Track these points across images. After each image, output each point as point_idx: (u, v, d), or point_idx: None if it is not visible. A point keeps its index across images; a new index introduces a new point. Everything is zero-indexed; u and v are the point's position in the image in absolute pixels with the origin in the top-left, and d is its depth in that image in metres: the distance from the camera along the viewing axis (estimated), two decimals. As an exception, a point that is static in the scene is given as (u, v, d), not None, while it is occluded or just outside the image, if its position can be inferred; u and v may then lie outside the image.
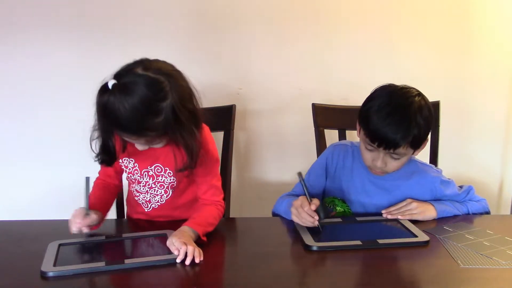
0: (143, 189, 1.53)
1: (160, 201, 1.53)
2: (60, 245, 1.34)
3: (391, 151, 1.42)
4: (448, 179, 1.60)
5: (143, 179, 1.50)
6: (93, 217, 1.37)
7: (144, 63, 1.28)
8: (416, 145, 1.44)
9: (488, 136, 2.43)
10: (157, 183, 1.51)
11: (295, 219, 1.43)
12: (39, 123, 2.21)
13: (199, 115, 1.35)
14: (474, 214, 1.56)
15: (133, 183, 1.53)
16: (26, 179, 2.25)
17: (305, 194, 1.42)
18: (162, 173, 1.49)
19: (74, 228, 1.35)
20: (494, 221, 1.51)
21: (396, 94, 1.44)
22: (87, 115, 2.17)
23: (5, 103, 2.18)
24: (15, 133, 2.21)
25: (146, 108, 1.23)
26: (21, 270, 1.23)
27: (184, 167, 1.37)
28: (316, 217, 1.38)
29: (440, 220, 1.51)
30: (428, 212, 1.51)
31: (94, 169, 2.01)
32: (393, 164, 1.48)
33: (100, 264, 1.22)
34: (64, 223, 1.56)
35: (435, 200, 1.57)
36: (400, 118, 1.40)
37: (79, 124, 2.20)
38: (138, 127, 1.27)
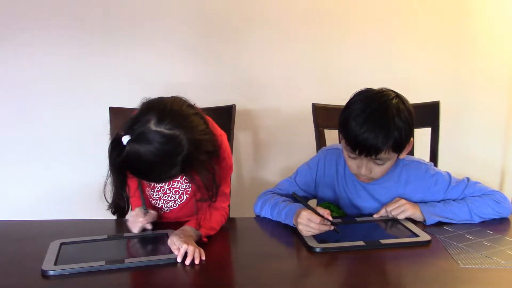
0: (156, 194, 1.51)
1: (173, 206, 1.53)
2: (61, 244, 1.34)
3: (373, 157, 1.41)
4: (437, 171, 1.56)
5: (158, 184, 1.49)
6: (153, 213, 1.44)
7: (157, 112, 1.22)
8: (398, 148, 1.42)
9: (488, 136, 2.43)
10: (172, 189, 1.50)
11: (309, 234, 1.37)
12: (39, 123, 2.21)
13: (216, 149, 1.35)
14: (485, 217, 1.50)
15: (148, 186, 1.52)
16: (26, 179, 2.25)
17: (304, 205, 1.40)
18: (178, 178, 1.48)
19: (136, 228, 1.41)
20: (494, 221, 1.50)
21: (372, 99, 1.41)
22: (87, 115, 2.20)
23: (5, 103, 2.18)
24: (15, 134, 2.21)
25: (162, 162, 1.23)
26: (21, 270, 1.23)
27: (204, 199, 1.37)
28: (329, 224, 1.36)
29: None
30: (416, 209, 1.48)
31: (94, 169, 2.01)
32: (378, 170, 1.46)
33: (100, 264, 1.22)
34: (64, 223, 1.57)
35: (429, 196, 1.54)
36: (378, 123, 1.37)
37: (79, 125, 2.22)
38: (154, 178, 1.31)
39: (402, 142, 1.40)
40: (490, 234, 1.40)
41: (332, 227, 1.36)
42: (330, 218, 1.36)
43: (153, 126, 1.21)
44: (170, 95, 1.32)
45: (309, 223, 1.36)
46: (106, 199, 1.33)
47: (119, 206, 1.38)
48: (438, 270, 1.21)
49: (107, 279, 1.19)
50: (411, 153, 1.91)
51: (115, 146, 1.22)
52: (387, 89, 1.46)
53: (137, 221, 1.42)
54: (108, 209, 1.40)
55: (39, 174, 2.24)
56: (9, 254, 1.33)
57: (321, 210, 1.37)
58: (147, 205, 1.51)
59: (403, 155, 1.49)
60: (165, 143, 1.20)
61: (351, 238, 1.36)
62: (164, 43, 2.19)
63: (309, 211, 1.38)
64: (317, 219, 1.35)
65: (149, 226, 1.42)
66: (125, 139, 1.21)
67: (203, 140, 1.27)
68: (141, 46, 2.18)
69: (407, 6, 2.26)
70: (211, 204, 1.47)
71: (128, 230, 1.43)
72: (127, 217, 1.51)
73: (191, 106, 1.30)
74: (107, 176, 1.28)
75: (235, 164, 2.27)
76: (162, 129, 1.21)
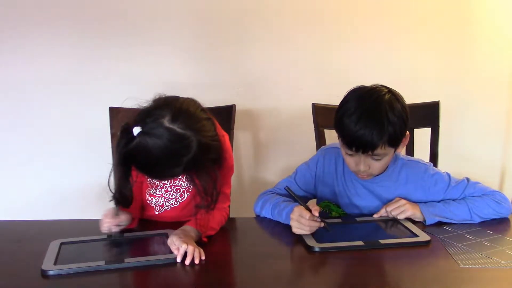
0: (158, 191, 1.52)
1: (174, 204, 1.53)
2: (61, 244, 1.34)
3: (370, 153, 1.41)
4: (437, 171, 1.56)
5: (160, 181, 1.50)
6: (122, 217, 1.39)
7: (172, 110, 1.23)
8: (394, 143, 1.43)
9: (488, 136, 2.43)
10: (174, 187, 1.51)
11: (299, 231, 1.38)
12: (39, 123, 2.20)
13: (221, 158, 1.34)
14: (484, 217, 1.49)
15: (148, 186, 1.52)
16: (26, 179, 2.25)
17: (297, 202, 1.41)
18: (179, 176, 1.47)
19: (103, 227, 1.38)
20: (494, 221, 1.50)
21: (365, 96, 1.43)
22: (87, 116, 2.20)
23: (5, 104, 2.18)
24: (15, 134, 2.20)
25: (167, 160, 1.23)
26: (21, 270, 1.23)
27: (202, 206, 1.35)
28: (319, 220, 1.36)
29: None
30: (416, 209, 1.49)
31: (93, 170, 2.00)
32: (376, 165, 1.47)
33: (100, 263, 1.22)
34: (64, 223, 1.57)
35: (429, 196, 1.54)
36: (372, 119, 1.38)
37: (79, 125, 2.22)
38: (155, 174, 1.31)
39: (397, 137, 1.42)
40: (490, 234, 1.40)
41: (322, 224, 1.36)
42: (317, 214, 1.36)
43: (166, 122, 1.21)
44: (173, 95, 1.32)
45: (299, 218, 1.37)
46: (110, 189, 1.32)
47: (124, 196, 1.36)
48: (438, 270, 1.21)
49: (107, 279, 1.19)
50: (411, 153, 1.91)
51: (125, 135, 1.22)
52: (380, 85, 1.47)
53: (104, 220, 1.38)
54: (112, 200, 1.39)
55: (39, 174, 2.24)
56: (9, 254, 1.33)
57: (310, 207, 1.37)
58: (144, 204, 1.52)
59: (400, 149, 1.50)
60: (175, 141, 1.21)
61: (351, 238, 1.36)
62: (164, 43, 2.19)
63: (301, 207, 1.39)
64: (307, 214, 1.35)
65: (115, 229, 1.37)
66: (136, 130, 1.21)
67: (211, 146, 1.27)
68: (141, 46, 2.18)
69: (407, 6, 2.26)
70: (209, 211, 1.44)
71: (128, 230, 1.43)
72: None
73: (204, 111, 1.31)
74: (112, 165, 1.28)
75: (235, 164, 2.26)
76: (175, 127, 1.21)
